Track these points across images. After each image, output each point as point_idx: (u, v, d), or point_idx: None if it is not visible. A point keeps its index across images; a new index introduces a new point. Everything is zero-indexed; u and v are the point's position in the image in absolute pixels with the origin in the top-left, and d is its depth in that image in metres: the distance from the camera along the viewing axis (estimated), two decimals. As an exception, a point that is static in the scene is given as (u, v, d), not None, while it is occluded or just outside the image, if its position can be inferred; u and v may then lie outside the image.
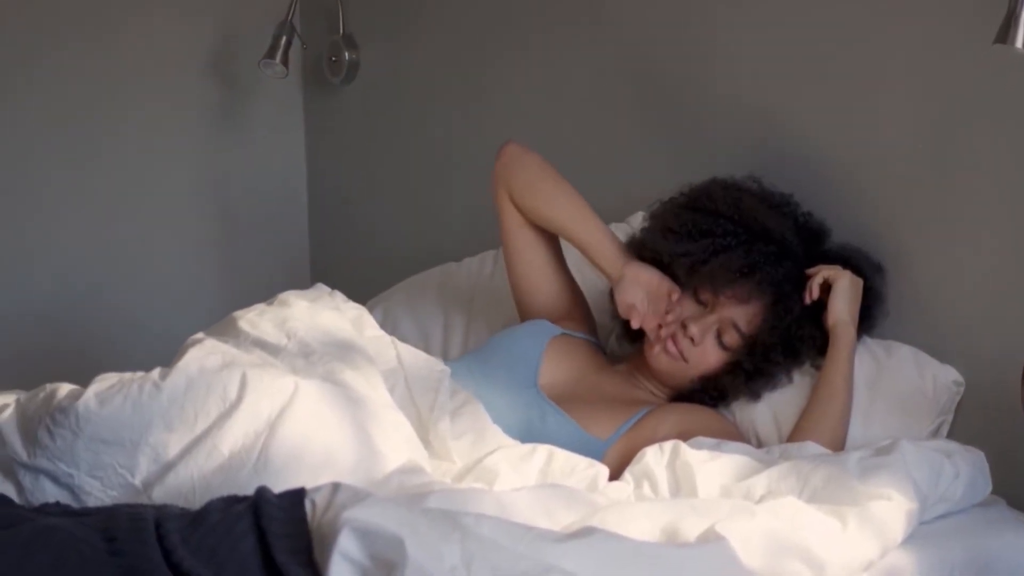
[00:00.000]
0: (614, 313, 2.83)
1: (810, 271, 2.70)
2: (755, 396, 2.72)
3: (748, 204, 2.73)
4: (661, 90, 3.20)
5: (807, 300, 2.68)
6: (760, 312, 2.68)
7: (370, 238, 3.98)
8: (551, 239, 2.87)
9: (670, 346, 2.69)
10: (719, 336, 2.69)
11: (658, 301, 2.72)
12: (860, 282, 2.70)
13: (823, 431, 2.60)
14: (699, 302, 2.70)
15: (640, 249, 2.77)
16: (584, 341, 2.86)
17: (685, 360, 2.69)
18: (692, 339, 2.68)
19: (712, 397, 2.73)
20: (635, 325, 2.72)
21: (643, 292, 2.72)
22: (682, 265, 2.71)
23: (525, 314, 2.91)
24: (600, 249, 2.76)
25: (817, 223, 2.80)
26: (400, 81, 3.86)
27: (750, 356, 2.68)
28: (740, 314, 2.68)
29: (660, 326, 2.71)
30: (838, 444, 2.59)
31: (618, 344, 2.96)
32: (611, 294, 2.82)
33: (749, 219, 2.71)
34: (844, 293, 2.67)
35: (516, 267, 2.89)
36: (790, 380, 2.72)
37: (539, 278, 2.88)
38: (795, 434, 2.63)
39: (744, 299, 2.67)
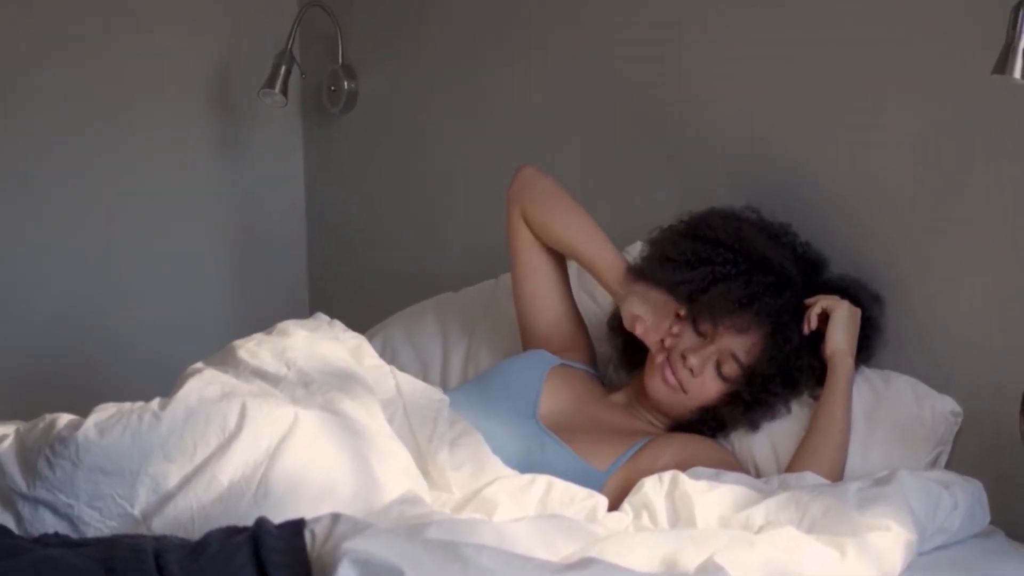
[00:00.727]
0: (612, 341, 2.85)
1: (808, 301, 2.71)
2: (754, 426, 2.72)
3: (747, 234, 2.73)
4: (659, 120, 3.21)
5: (805, 330, 2.69)
6: (759, 343, 2.68)
7: (369, 267, 3.98)
8: (560, 263, 2.90)
9: (669, 377, 2.70)
10: (718, 367, 2.69)
11: (663, 316, 2.72)
12: (858, 312, 2.70)
13: (821, 461, 2.60)
14: (698, 333, 2.70)
15: (640, 276, 2.77)
16: (583, 372, 2.86)
17: (685, 391, 2.70)
18: (691, 370, 2.68)
19: (711, 427, 2.73)
20: (639, 333, 2.72)
21: (649, 307, 2.73)
22: (681, 293, 2.71)
23: (528, 337, 2.92)
24: (610, 269, 2.78)
25: (815, 253, 2.81)
26: (399, 111, 3.86)
27: (749, 387, 2.68)
28: (739, 345, 2.68)
29: (663, 340, 2.71)
30: (836, 474, 2.59)
31: (615, 373, 2.97)
32: (611, 322, 2.85)
33: (749, 249, 2.71)
34: (842, 323, 2.68)
35: (524, 288, 2.90)
36: (788, 411, 2.72)
37: (546, 300, 2.89)
38: (793, 464, 2.63)
39: (743, 330, 2.67)
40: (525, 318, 2.92)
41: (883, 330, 2.76)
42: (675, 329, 2.70)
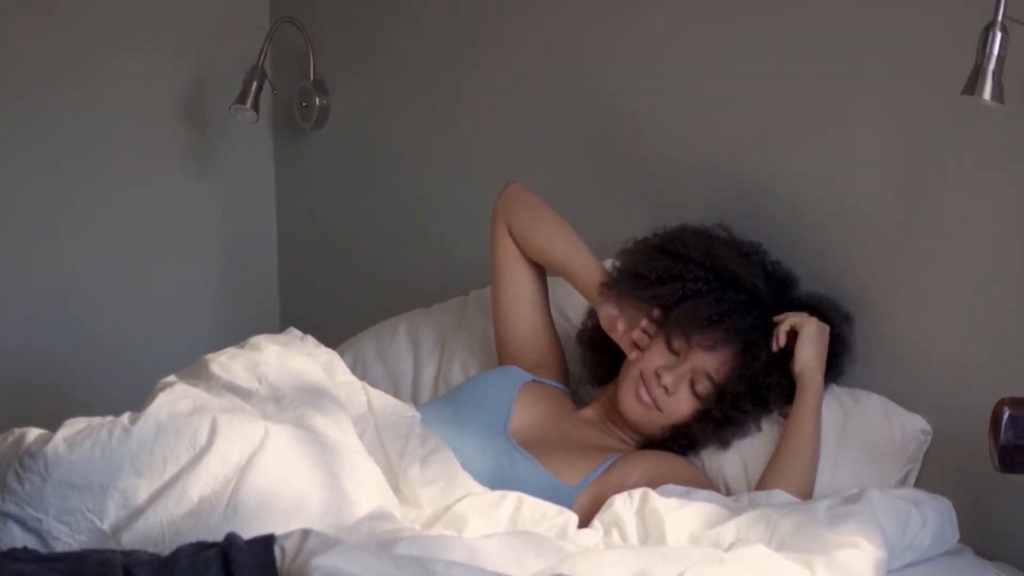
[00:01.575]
0: (583, 354, 2.89)
1: (777, 318, 2.71)
2: (724, 444, 2.73)
3: (719, 251, 2.74)
4: (631, 137, 3.21)
5: (774, 348, 2.69)
6: (729, 360, 2.69)
7: (340, 283, 3.97)
8: (540, 278, 2.93)
9: (644, 395, 2.70)
10: (692, 385, 2.69)
11: (637, 320, 2.73)
12: (827, 329, 2.71)
13: (791, 479, 2.60)
14: (672, 351, 2.71)
15: (615, 284, 2.79)
16: (555, 388, 2.87)
17: (659, 409, 2.70)
18: (666, 388, 2.69)
19: (682, 445, 2.74)
20: (618, 333, 2.74)
21: (626, 311, 2.75)
22: (651, 309, 2.72)
23: (504, 350, 2.93)
24: (588, 275, 2.82)
25: (784, 271, 2.82)
26: (370, 127, 3.86)
27: (719, 404, 2.69)
28: (712, 363, 2.68)
29: (636, 342, 2.72)
30: (806, 492, 2.60)
31: (585, 391, 2.97)
32: (580, 336, 2.89)
33: (720, 266, 2.72)
34: (811, 340, 2.68)
35: (504, 300, 2.92)
36: (759, 428, 2.72)
37: (524, 313, 2.91)
38: (763, 482, 2.63)
39: (714, 347, 2.68)
40: (502, 331, 2.94)
41: (852, 347, 2.77)
42: (650, 329, 2.71)
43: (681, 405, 2.70)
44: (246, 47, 3.89)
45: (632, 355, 2.73)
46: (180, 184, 4.01)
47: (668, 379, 2.69)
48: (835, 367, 2.74)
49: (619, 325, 2.75)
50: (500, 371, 2.87)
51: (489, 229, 2.94)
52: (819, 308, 2.74)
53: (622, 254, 2.84)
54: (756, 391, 2.69)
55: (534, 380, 2.84)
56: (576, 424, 2.80)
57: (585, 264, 2.84)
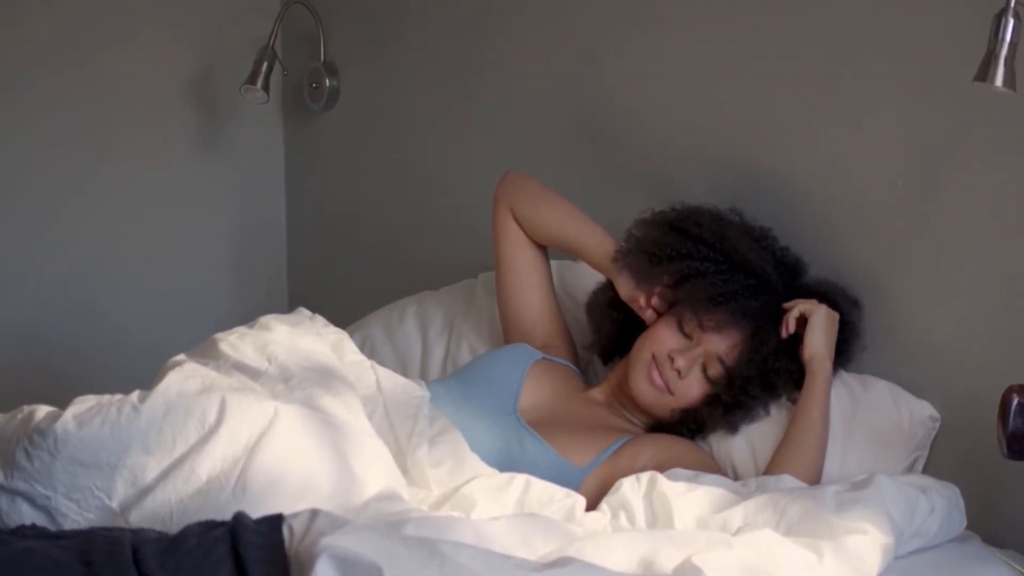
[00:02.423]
0: (592, 325, 2.90)
1: (786, 305, 2.71)
2: (733, 428, 2.73)
3: (731, 234, 2.74)
4: (639, 124, 3.21)
5: (783, 334, 2.69)
6: (739, 344, 2.69)
7: (348, 264, 3.97)
8: (544, 261, 2.94)
9: (656, 378, 2.70)
10: (704, 370, 2.69)
11: (649, 287, 2.75)
12: (836, 316, 2.71)
13: (799, 464, 2.60)
14: (684, 334, 2.71)
15: (629, 254, 2.79)
16: (564, 367, 2.88)
17: (671, 393, 2.70)
18: (679, 371, 2.69)
19: (690, 429, 2.73)
20: (643, 301, 2.74)
21: (643, 279, 2.75)
22: (662, 284, 2.72)
23: (511, 334, 2.94)
24: (601, 247, 2.83)
25: (794, 257, 2.81)
26: (380, 108, 3.86)
27: (728, 389, 2.68)
28: (723, 346, 2.68)
29: (648, 300, 2.74)
30: (814, 477, 2.60)
31: (594, 373, 2.97)
32: (589, 306, 2.89)
33: (730, 249, 2.72)
34: (820, 327, 2.68)
35: (509, 285, 2.93)
36: (767, 413, 2.72)
37: (530, 297, 2.92)
38: (771, 467, 2.63)
39: (723, 328, 2.68)
40: (509, 316, 2.94)
41: (861, 334, 2.76)
42: (666, 295, 2.72)
43: (692, 389, 2.70)
44: (257, 28, 3.89)
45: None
46: (189, 164, 4.01)
47: (681, 362, 2.69)
48: (844, 353, 2.74)
49: (639, 295, 2.75)
50: (510, 348, 2.87)
51: (491, 217, 2.95)
52: (828, 294, 2.74)
53: (638, 223, 2.83)
54: (765, 376, 2.69)
55: (544, 358, 2.84)
56: (586, 403, 2.80)
57: (596, 238, 2.85)
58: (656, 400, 2.71)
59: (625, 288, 2.78)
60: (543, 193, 2.93)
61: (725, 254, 2.71)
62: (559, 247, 2.93)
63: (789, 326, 2.69)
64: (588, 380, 2.94)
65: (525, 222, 2.91)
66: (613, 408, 2.80)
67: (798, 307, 2.69)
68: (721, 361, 2.68)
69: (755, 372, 2.68)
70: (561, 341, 2.93)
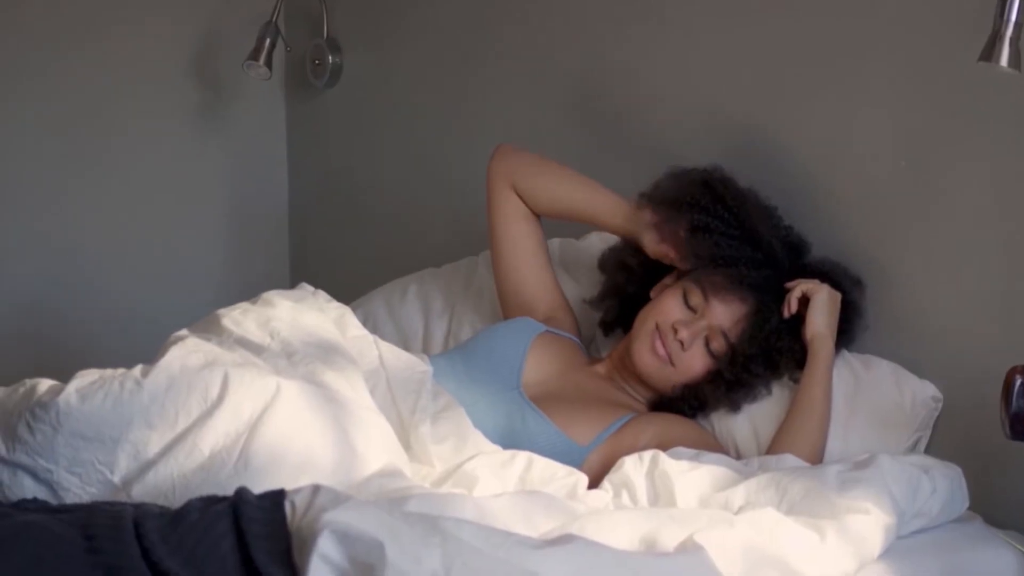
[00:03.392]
0: (608, 283, 2.90)
1: (789, 284, 2.71)
2: (735, 407, 2.73)
3: (750, 207, 2.75)
4: (643, 104, 3.20)
5: (786, 313, 2.69)
6: (743, 320, 2.69)
7: (350, 242, 3.97)
8: (542, 234, 2.93)
9: (659, 348, 2.70)
10: (707, 343, 2.69)
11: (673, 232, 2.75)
12: (838, 296, 2.70)
13: (801, 444, 2.60)
14: (689, 308, 2.70)
15: (647, 204, 2.80)
16: (568, 340, 2.87)
17: (673, 364, 2.70)
18: (681, 343, 2.69)
19: (692, 406, 2.73)
20: (673, 253, 2.75)
21: (668, 233, 2.76)
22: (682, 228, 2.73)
23: (509, 310, 2.94)
24: (616, 208, 2.84)
25: (797, 237, 2.81)
26: (383, 85, 3.85)
27: (731, 366, 2.68)
28: (727, 320, 2.68)
29: (677, 251, 2.74)
30: (816, 456, 2.60)
31: (595, 350, 2.97)
32: (603, 263, 2.89)
33: (745, 218, 2.73)
34: (822, 306, 2.68)
35: (508, 259, 2.92)
36: (769, 392, 2.72)
37: (530, 271, 2.92)
38: (773, 446, 2.63)
39: (729, 302, 2.68)
40: (507, 290, 2.94)
41: (863, 314, 2.76)
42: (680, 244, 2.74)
43: (695, 362, 2.69)
44: (259, 4, 3.89)
45: (686, 265, 2.73)
46: (192, 140, 4.01)
47: (684, 333, 2.68)
48: (846, 333, 2.74)
49: (666, 248, 2.75)
50: (513, 322, 2.86)
51: (488, 192, 2.93)
52: (830, 274, 2.74)
53: (669, 175, 2.82)
54: (767, 354, 2.69)
55: (547, 331, 2.83)
56: (589, 378, 2.80)
57: (604, 200, 2.85)
58: (658, 371, 2.71)
59: (651, 243, 2.78)
60: (544, 163, 2.92)
61: (739, 221, 2.71)
62: (568, 216, 2.92)
63: (792, 306, 2.69)
64: (591, 355, 2.94)
65: (529, 194, 2.90)
66: (616, 383, 2.79)
67: (800, 287, 2.69)
68: (724, 336, 2.68)
69: (757, 350, 2.68)
70: (563, 314, 2.93)
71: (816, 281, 2.70)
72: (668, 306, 2.72)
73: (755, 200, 2.78)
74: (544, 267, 2.94)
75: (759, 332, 2.68)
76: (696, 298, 2.70)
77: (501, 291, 2.96)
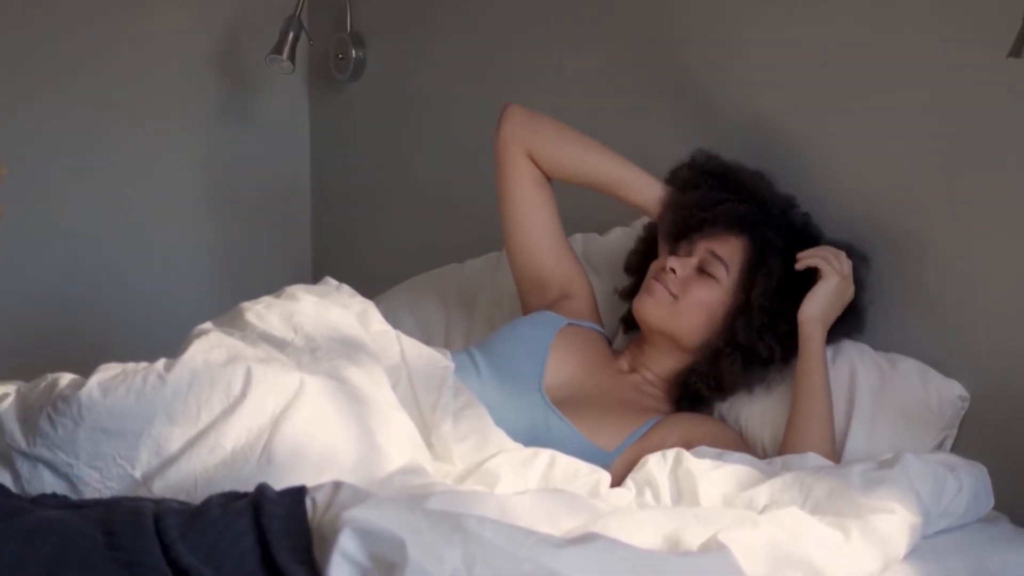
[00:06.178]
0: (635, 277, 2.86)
1: (810, 251, 2.67)
2: (749, 387, 2.70)
3: (764, 184, 2.76)
4: (672, 93, 3.19)
5: (797, 265, 2.64)
6: (739, 248, 2.67)
7: (373, 237, 3.97)
8: (555, 201, 2.88)
9: (655, 286, 2.68)
10: (703, 267, 2.67)
11: None
12: (848, 293, 2.66)
13: (812, 437, 2.57)
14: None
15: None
16: (591, 332, 2.84)
17: (674, 295, 2.67)
18: (674, 270, 2.67)
19: (710, 387, 2.71)
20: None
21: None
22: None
23: (527, 286, 2.91)
24: (643, 188, 2.81)
25: (815, 227, 2.78)
26: (406, 80, 3.85)
27: (745, 322, 2.66)
28: (716, 244, 2.67)
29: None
30: (830, 445, 2.58)
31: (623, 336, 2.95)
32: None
33: (753, 190, 2.74)
34: (826, 293, 2.63)
35: (522, 230, 2.88)
36: (783, 364, 2.69)
37: (546, 241, 2.88)
38: (785, 444, 2.61)
39: (717, 234, 2.67)
40: (524, 264, 2.90)
41: (867, 288, 2.72)
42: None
43: (698, 290, 2.67)
44: (283, -3, 3.88)
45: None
46: (215, 134, 4.01)
47: (675, 263, 2.67)
48: (838, 332, 2.70)
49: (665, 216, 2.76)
50: (534, 317, 2.83)
51: (496, 156, 2.88)
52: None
53: (704, 155, 2.82)
54: (772, 311, 2.66)
55: (570, 323, 2.81)
56: (613, 377, 2.77)
57: (637, 177, 2.82)
58: (666, 312, 2.68)
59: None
60: (564, 129, 2.86)
61: (731, 180, 2.74)
62: (588, 185, 2.86)
63: (806, 262, 2.65)
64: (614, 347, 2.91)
65: (548, 160, 2.85)
66: (640, 376, 2.76)
67: (819, 254, 2.65)
68: (717, 257, 2.66)
69: (765, 300, 2.65)
70: (579, 286, 2.89)
71: (841, 255, 2.66)
72: (660, 258, 2.72)
73: (766, 188, 2.78)
74: (559, 237, 2.89)
75: (761, 265, 2.66)
76: (685, 244, 2.69)
77: (515, 266, 2.92)
